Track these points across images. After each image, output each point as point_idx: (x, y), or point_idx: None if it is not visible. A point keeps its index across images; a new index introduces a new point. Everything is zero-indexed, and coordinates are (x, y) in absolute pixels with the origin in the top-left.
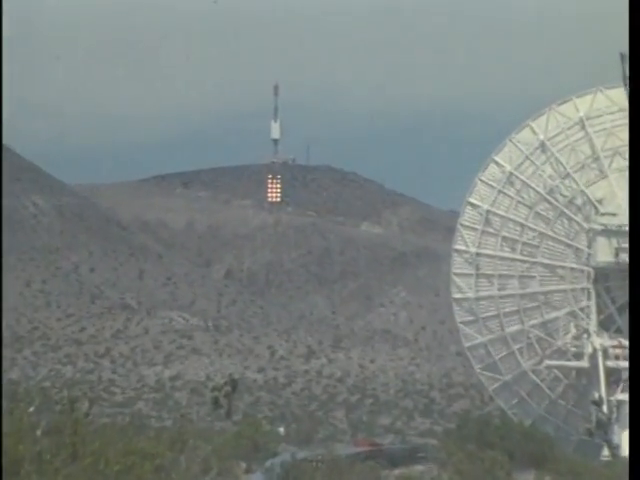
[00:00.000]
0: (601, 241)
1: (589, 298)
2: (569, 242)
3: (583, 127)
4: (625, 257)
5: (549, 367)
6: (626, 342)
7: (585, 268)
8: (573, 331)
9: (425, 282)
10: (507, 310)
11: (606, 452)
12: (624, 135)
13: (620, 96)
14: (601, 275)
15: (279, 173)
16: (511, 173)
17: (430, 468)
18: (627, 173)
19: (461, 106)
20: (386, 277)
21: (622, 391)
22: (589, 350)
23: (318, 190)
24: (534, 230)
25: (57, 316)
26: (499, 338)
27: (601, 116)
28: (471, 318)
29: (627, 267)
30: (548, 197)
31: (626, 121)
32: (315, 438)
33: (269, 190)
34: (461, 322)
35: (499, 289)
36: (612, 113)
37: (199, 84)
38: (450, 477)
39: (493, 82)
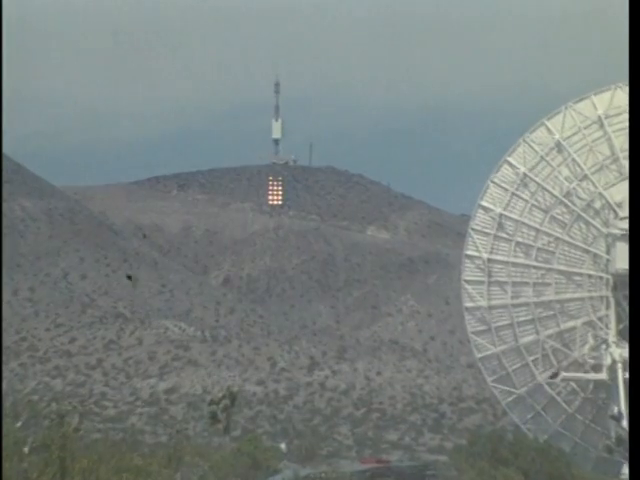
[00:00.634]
0: (620, 247)
1: (608, 307)
2: (587, 248)
3: (602, 126)
4: None
5: (565, 379)
6: None
7: (603, 275)
8: (591, 341)
9: (434, 290)
10: (521, 319)
11: (626, 470)
12: None
13: None
14: (620, 282)
15: (280, 174)
16: (525, 175)
17: None
18: None
19: (473, 104)
20: (393, 284)
21: None
22: (608, 361)
23: (321, 193)
24: (549, 235)
25: (46, 326)
26: (513, 349)
27: (620, 114)
28: (483, 328)
29: None
30: (564, 200)
31: None
32: (318, 455)
33: (270, 192)
34: (472, 332)
35: (513, 297)
36: None
37: (195, 78)
38: None
39: (505, 80)
